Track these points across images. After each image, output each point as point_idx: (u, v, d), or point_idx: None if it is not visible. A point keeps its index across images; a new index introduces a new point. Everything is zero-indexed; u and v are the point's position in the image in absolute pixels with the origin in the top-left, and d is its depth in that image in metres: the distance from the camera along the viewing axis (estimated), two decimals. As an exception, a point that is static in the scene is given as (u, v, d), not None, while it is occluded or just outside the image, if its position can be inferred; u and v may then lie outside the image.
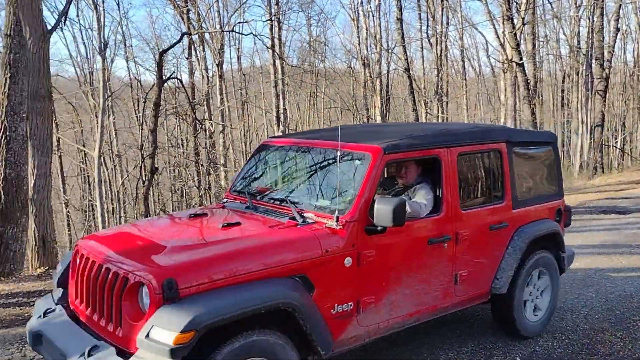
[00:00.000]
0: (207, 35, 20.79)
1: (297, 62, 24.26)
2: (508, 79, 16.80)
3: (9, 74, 7.61)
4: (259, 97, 26.74)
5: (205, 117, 19.02)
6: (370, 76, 21.21)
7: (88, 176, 23.18)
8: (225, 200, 4.46)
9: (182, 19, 19.02)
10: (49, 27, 5.88)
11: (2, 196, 7.51)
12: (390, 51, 22.04)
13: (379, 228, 3.53)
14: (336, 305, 3.47)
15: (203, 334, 2.81)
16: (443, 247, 3.99)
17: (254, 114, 27.23)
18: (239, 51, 25.78)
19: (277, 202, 3.96)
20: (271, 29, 19.57)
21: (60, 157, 22.15)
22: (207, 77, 21.48)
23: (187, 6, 18.38)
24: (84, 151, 21.86)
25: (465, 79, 26.85)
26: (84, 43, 28.29)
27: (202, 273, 2.99)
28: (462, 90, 26.36)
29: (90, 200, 21.30)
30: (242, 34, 12.50)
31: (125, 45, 22.54)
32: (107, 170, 21.99)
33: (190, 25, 17.96)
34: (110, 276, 3.12)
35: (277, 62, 20.06)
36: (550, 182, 5.00)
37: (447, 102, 23.96)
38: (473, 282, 4.26)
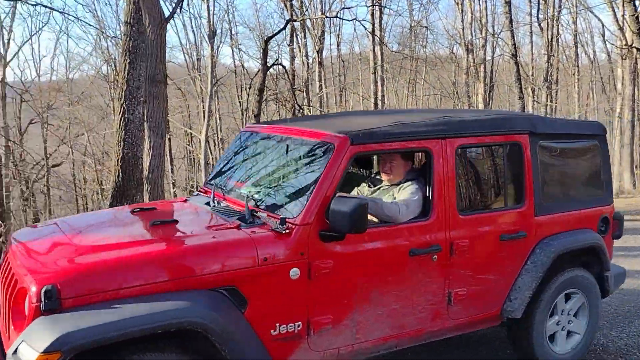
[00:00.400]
0: (308, 22, 21.02)
1: (397, 47, 23.88)
2: (627, 66, 15.55)
3: (128, 60, 8.11)
4: (357, 84, 26.67)
5: (304, 104, 19.27)
6: (474, 62, 20.47)
7: (194, 158, 24.36)
8: (196, 193, 3.99)
9: (286, 6, 19.31)
10: (166, 15, 6.15)
11: (120, 174, 8.07)
12: (496, 36, 21.07)
13: (331, 234, 2.94)
14: (278, 324, 2.91)
15: (77, 356, 2.32)
16: (431, 259, 3.30)
17: (352, 100, 27.21)
18: (338, 37, 25.77)
19: (241, 198, 3.36)
20: (372, 15, 19.37)
21: (169, 139, 23.48)
22: (307, 63, 21.73)
23: (290, -7, 18.61)
24: (191, 134, 22.96)
25: (578, 66, 25.12)
26: (193, 31, 29.71)
27: (92, 281, 2.52)
28: (573, 78, 24.72)
29: (195, 182, 22.41)
30: (345, 19, 12.45)
31: (231, 32, 23.32)
32: (212, 153, 22.97)
33: (293, 12, 18.19)
34: (9, 279, 2.79)
35: (377, 48, 19.85)
36: (595, 184, 4.09)
37: (556, 91, 22.59)
38: (476, 303, 3.54)
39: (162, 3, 6.34)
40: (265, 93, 17.58)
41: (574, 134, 4.01)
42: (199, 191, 3.93)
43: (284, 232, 2.93)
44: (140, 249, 2.82)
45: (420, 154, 3.79)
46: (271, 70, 17.96)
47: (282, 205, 3.13)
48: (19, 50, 27.63)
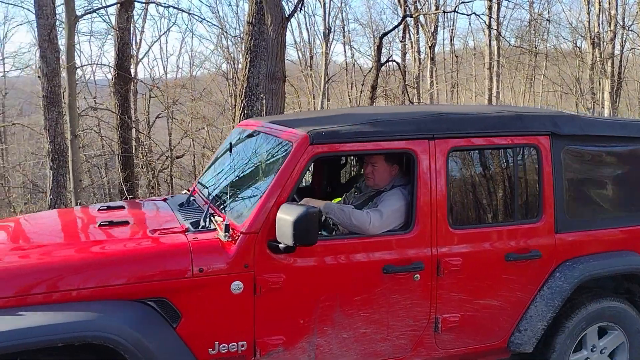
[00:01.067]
0: (421, 18, 20.76)
1: (514, 42, 22.85)
2: None
3: (249, 58, 8.53)
4: (471, 80, 25.90)
5: (414, 100, 19.10)
6: (600, 57, 19.06)
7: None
8: (184, 192, 3.84)
9: (399, 2, 19.22)
10: (287, 14, 6.44)
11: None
12: (627, 28, 19.47)
13: (280, 245, 2.64)
14: (217, 343, 2.66)
15: None
16: (412, 278, 2.91)
17: (464, 97, 26.47)
18: (452, 32, 25.21)
19: (214, 200, 3.17)
20: (489, 8, 18.71)
21: (281, 134, 24.27)
22: (419, 59, 21.48)
23: (404, -11, 18.47)
24: (302, 130, 23.54)
25: None
26: (307, 29, 30.48)
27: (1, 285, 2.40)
28: None
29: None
30: (461, 13, 12.17)
31: (343, 30, 23.61)
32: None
33: (407, 8, 18.06)
34: None
35: (494, 42, 19.17)
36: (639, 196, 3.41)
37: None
38: (473, 332, 3.10)
39: (283, 3, 6.64)
40: (377, 90, 17.65)
41: (617, 137, 3.37)
42: (187, 190, 3.76)
43: (226, 240, 2.68)
44: (62, 253, 2.65)
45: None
46: (382, 68, 18.00)
47: (236, 210, 2.89)
48: (149, 50, 29.99)
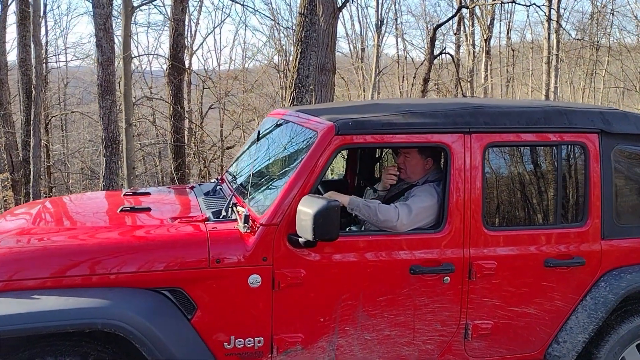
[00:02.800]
0: (477, 10, 20.24)
1: (575, 35, 21.97)
2: None
3: (300, 50, 8.52)
4: (527, 75, 25.10)
5: (468, 94, 18.67)
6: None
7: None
8: (213, 180, 3.71)
9: (454, -7, 18.80)
10: (339, 5, 6.38)
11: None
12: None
13: (300, 240, 2.50)
14: (233, 338, 2.57)
15: None
16: (441, 281, 2.75)
17: (519, 92, 25.69)
18: (509, 25, 24.45)
19: (239, 190, 3.07)
20: (550, 0, 18.02)
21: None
22: (473, 52, 20.98)
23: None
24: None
25: None
26: (359, 21, 30.26)
27: (4, 269, 2.38)
28: None
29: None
30: (520, 4, 11.72)
31: (396, 22, 23.32)
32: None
33: (460, 5, 17.66)
34: None
35: (553, 35, 18.46)
36: None
37: None
38: (507, 341, 2.91)
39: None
40: (428, 83, 17.37)
41: None
42: (216, 179, 3.65)
43: (245, 231, 2.58)
44: (76, 237, 2.59)
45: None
46: (434, 61, 17.69)
47: (258, 201, 2.78)
48: (203, 41, 30.59)
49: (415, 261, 2.72)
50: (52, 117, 14.99)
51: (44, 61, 17.17)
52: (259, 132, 3.52)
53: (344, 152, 4.09)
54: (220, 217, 2.79)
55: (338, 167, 5.48)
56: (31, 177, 9.28)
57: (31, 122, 9.40)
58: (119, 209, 3.04)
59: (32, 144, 9.28)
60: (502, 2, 15.62)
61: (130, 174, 8.94)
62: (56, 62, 19.60)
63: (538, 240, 2.88)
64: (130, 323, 2.31)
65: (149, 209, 3.07)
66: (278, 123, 3.37)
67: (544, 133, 2.91)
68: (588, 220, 2.95)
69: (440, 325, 2.82)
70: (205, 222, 2.75)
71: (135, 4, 8.94)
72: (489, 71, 20.91)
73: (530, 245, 2.87)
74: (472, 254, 2.78)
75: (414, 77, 16.91)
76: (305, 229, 2.44)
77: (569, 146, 2.98)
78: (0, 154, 12.48)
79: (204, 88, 22.93)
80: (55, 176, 15.06)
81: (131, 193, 3.50)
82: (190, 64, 20.96)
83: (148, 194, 3.51)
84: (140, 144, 13.48)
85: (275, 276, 2.58)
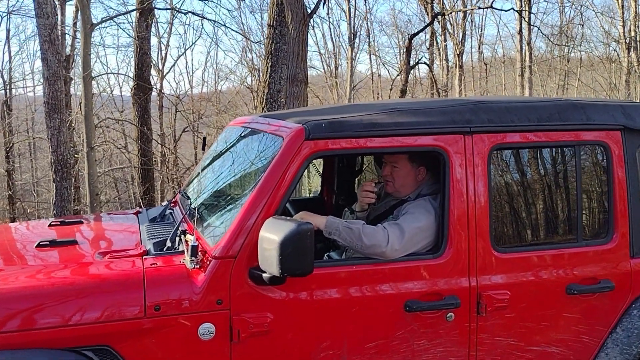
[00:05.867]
0: (448, 25, 20.30)
1: (546, 48, 22.18)
2: None
3: (270, 63, 8.15)
4: (500, 89, 25.26)
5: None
6: (638, 61, 18.28)
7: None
8: (165, 203, 3.13)
9: (426, 10, 18.80)
10: (309, 11, 6.02)
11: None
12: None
13: (264, 275, 1.99)
14: None
15: None
16: (444, 318, 2.26)
17: (494, 105, 25.83)
18: (480, 39, 24.66)
19: (191, 214, 2.48)
20: (520, 14, 18.11)
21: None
22: (447, 67, 20.99)
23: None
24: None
25: None
26: (332, 39, 30.25)
27: None
28: None
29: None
30: (499, 9, 11.50)
31: (369, 38, 23.28)
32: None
33: (434, 11, 17.67)
34: None
35: (525, 47, 18.55)
36: None
37: None
38: None
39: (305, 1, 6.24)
40: (405, 96, 17.18)
41: None
42: (167, 201, 3.11)
43: (193, 267, 2.05)
44: None
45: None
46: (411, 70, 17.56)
47: (212, 227, 2.27)
48: (174, 64, 30.03)
49: (411, 295, 2.21)
50: (13, 143, 14.31)
51: (8, 87, 16.49)
52: (204, 138, 3.07)
53: (318, 163, 3.63)
54: (164, 249, 2.26)
55: (314, 184, 4.95)
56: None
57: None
58: (36, 243, 2.48)
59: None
60: (478, 7, 15.55)
61: (94, 200, 8.36)
62: (23, 87, 18.97)
63: (558, 263, 2.41)
64: None
65: (74, 242, 2.53)
66: (240, 132, 2.85)
67: (558, 132, 2.42)
68: (614, 236, 2.48)
69: None
70: (143, 257, 2.19)
71: (94, 22, 8.46)
72: (462, 85, 20.91)
73: (548, 268, 2.39)
74: (480, 283, 2.29)
75: (391, 89, 16.68)
76: (269, 261, 1.91)
77: (588, 147, 2.51)
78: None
79: (176, 111, 22.48)
80: (20, 205, 14.31)
81: (58, 223, 2.96)
82: (161, 86, 20.52)
83: (80, 222, 2.98)
84: (104, 169, 12.88)
85: (233, 324, 2.04)
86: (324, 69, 24.42)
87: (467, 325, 2.29)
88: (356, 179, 3.58)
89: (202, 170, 3.00)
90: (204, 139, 2.96)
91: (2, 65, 17.23)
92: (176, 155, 21.25)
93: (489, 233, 2.30)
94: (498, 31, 37.41)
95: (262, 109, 8.23)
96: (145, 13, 10.37)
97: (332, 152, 2.24)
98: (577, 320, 2.44)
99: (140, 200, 10.05)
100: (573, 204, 2.48)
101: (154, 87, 13.41)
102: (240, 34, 18.81)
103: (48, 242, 2.48)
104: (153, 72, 17.17)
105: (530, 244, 2.47)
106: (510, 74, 22.64)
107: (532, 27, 17.67)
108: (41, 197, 17.86)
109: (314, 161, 2.61)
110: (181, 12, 11.69)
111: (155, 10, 11.19)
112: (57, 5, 6.09)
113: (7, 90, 17.48)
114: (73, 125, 11.17)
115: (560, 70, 22.55)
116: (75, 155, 10.76)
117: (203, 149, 2.95)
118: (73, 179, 7.08)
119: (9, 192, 13.00)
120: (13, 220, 12.87)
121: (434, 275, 2.24)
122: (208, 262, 2.06)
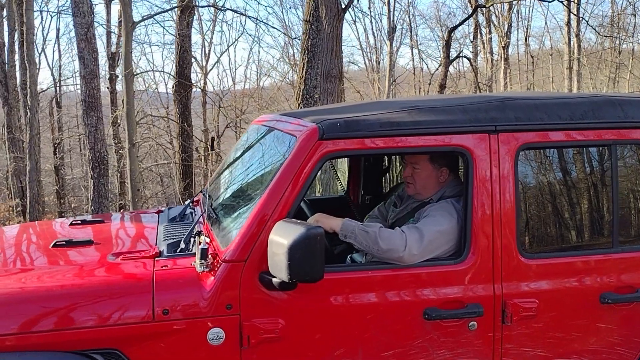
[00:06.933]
0: (493, 17, 19.80)
1: (596, 40, 21.36)
2: None
3: (306, 59, 8.12)
4: (547, 82, 24.50)
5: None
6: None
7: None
8: (188, 202, 3.06)
9: (470, 2, 18.39)
10: (343, 6, 5.97)
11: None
12: None
13: (274, 280, 1.93)
14: None
15: None
16: (466, 327, 2.14)
17: (540, 99, 25.09)
18: (527, 31, 23.96)
19: (210, 214, 2.46)
20: (569, 5, 17.48)
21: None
22: (491, 60, 20.51)
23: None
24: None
25: None
26: (373, 34, 30.13)
27: None
28: None
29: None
30: (547, 0, 11.03)
31: (410, 32, 23.02)
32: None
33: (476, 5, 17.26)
34: None
35: (574, 39, 17.90)
36: None
37: None
38: None
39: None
40: (445, 91, 16.89)
41: None
42: (190, 200, 3.06)
43: (203, 270, 1.99)
44: None
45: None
46: (451, 69, 17.21)
47: (226, 229, 2.20)
48: (217, 60, 30.53)
49: (431, 302, 2.11)
50: (62, 140, 14.81)
51: (58, 84, 17.09)
52: (212, 138, 2.95)
53: (342, 161, 3.57)
54: (177, 250, 2.22)
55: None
56: (27, 202, 8.96)
57: (26, 146, 9.08)
58: (52, 244, 2.47)
59: (27, 168, 8.94)
60: (521, 0, 15.05)
61: (135, 196, 8.56)
62: (73, 84, 19.63)
63: (591, 270, 2.28)
64: None
65: (90, 242, 2.51)
66: (262, 131, 2.80)
67: (593, 130, 2.29)
68: None
69: None
70: (155, 259, 2.16)
71: (136, 20, 8.64)
72: (508, 79, 20.39)
73: (581, 276, 2.27)
74: (506, 291, 2.18)
75: (429, 84, 16.41)
76: (278, 266, 1.86)
77: (626, 147, 2.37)
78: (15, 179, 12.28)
79: (219, 107, 22.84)
80: (67, 200, 14.82)
81: (79, 222, 2.94)
82: (205, 83, 20.86)
83: (101, 222, 2.96)
84: (148, 165, 13.17)
85: (243, 329, 1.99)
86: (365, 64, 24.31)
87: (490, 335, 2.18)
88: (384, 176, 3.51)
89: (224, 169, 2.98)
90: (212, 139, 2.95)
91: (52, 63, 17.88)
92: (219, 150, 21.64)
93: (516, 237, 2.19)
94: (546, 22, 36.29)
95: (298, 105, 8.21)
96: (186, 11, 10.53)
97: (348, 153, 2.17)
98: (612, 331, 2.30)
99: (180, 196, 10.24)
100: (608, 207, 2.35)
101: (196, 84, 13.62)
102: (280, 30, 18.86)
103: (64, 242, 2.48)
104: (197, 69, 17.46)
105: (561, 249, 2.34)
106: (558, 67, 21.93)
107: (580, 18, 17.02)
108: (89, 192, 18.48)
109: (338, 159, 2.58)
110: (220, 10, 11.80)
111: (197, 8, 11.34)
112: (103, 4, 6.23)
113: (57, 87, 18.11)
114: (118, 121, 11.48)
115: (611, 62, 21.68)
116: (120, 152, 11.06)
117: (212, 149, 2.93)
118: (118, 174, 7.25)
119: (56, 187, 13.46)
120: (61, 214, 13.33)
121: (456, 281, 2.15)
122: (218, 266, 2.02)
